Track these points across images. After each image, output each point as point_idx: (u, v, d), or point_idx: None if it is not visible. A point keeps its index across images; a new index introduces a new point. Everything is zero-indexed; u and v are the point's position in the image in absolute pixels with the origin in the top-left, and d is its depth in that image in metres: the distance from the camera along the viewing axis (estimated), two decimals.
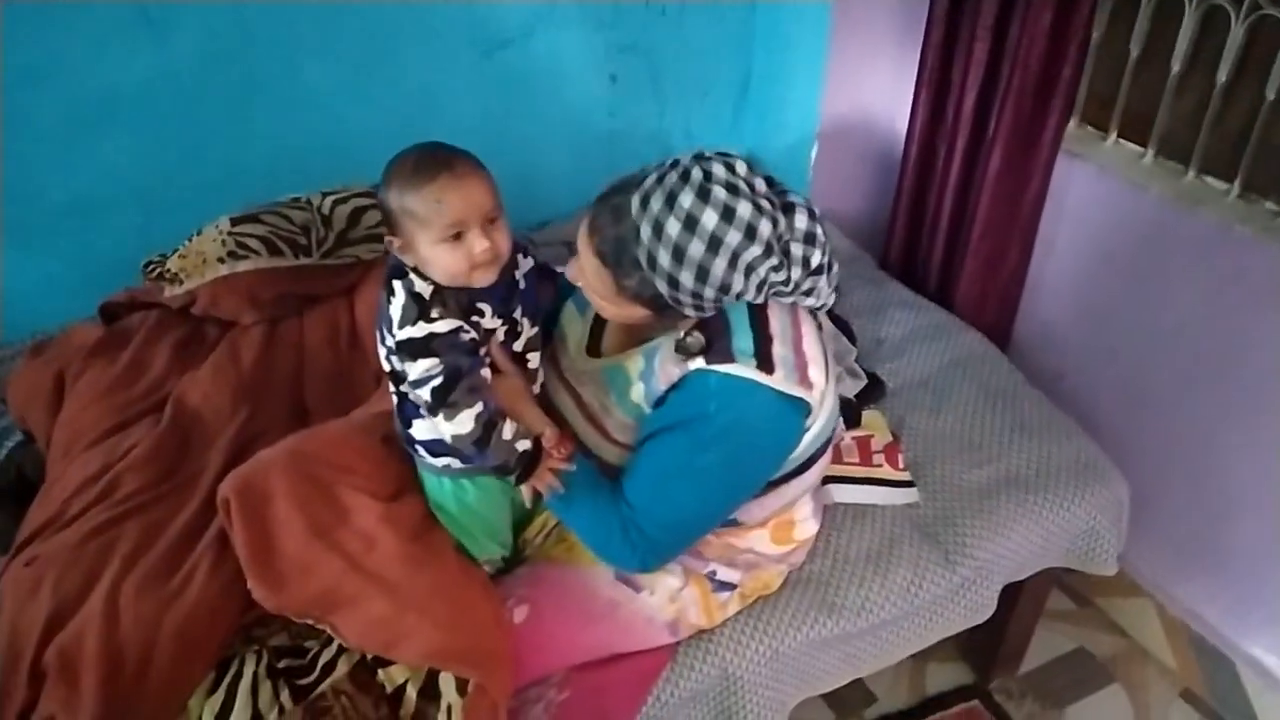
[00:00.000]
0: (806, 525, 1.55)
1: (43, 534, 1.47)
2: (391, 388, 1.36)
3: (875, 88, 2.52)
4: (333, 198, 2.01)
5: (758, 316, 1.28)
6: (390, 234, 1.25)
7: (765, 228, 1.17)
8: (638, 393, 1.34)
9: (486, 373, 1.31)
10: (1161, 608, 2.18)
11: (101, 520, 1.43)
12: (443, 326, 1.23)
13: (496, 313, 1.30)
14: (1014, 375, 2.05)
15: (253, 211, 1.94)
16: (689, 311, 1.25)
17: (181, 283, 1.87)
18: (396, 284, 1.26)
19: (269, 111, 2.22)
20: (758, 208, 1.17)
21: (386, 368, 1.33)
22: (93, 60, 1.99)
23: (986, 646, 2.08)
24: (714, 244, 1.15)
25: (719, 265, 1.16)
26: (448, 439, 1.26)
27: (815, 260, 1.26)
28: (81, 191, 2.12)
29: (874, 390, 2.00)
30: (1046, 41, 1.99)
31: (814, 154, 2.58)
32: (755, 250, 1.17)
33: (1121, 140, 2.16)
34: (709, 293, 1.20)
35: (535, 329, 1.40)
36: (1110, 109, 2.16)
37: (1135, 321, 2.12)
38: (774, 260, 1.20)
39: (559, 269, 1.54)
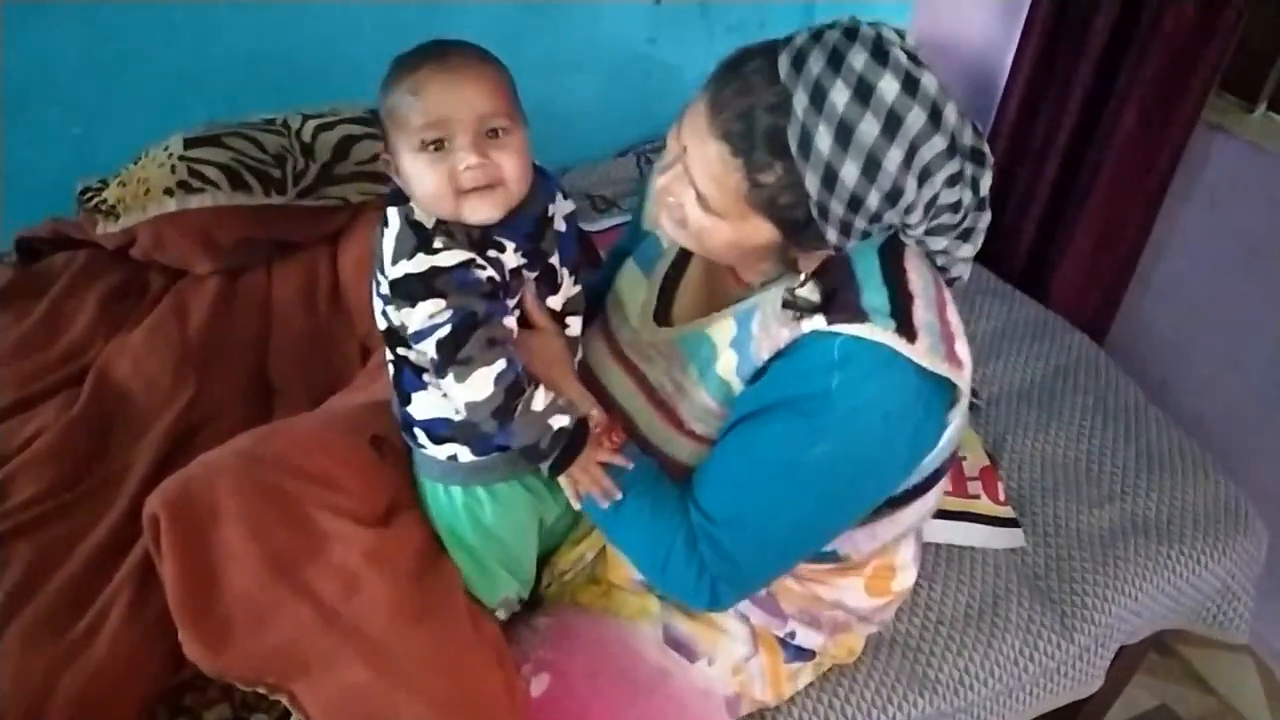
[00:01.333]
0: (907, 574, 1.25)
1: None
2: (388, 353, 1.09)
3: (972, 27, 2.15)
4: (316, 122, 1.64)
5: (892, 266, 0.97)
6: (384, 149, 1.01)
7: (951, 112, 0.87)
8: (727, 365, 1.02)
9: (511, 322, 1.03)
10: (1261, 663, 1.96)
11: None
12: (448, 259, 0.96)
13: (521, 250, 1.03)
14: (1133, 391, 1.75)
15: (214, 131, 1.58)
16: (832, 235, 0.92)
17: (118, 217, 1.50)
18: (392, 211, 1.00)
19: (241, 5, 1.86)
20: (941, 87, 0.87)
21: (382, 325, 1.06)
22: None
23: (1065, 707, 1.79)
24: (891, 124, 0.85)
25: (894, 157, 0.85)
26: (460, 410, 0.99)
27: (984, 185, 0.95)
28: (6, 88, 1.76)
29: None
30: None
31: None
32: (939, 144, 0.87)
33: (1272, 113, 1.82)
34: (874, 200, 0.87)
35: (577, 287, 1.12)
36: (1262, 74, 1.80)
37: (1269, 328, 1.80)
38: (955, 166, 0.89)
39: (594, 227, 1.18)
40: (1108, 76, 1.86)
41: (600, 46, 2.24)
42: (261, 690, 1.05)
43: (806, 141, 0.85)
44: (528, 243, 1.02)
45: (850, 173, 0.85)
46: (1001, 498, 1.53)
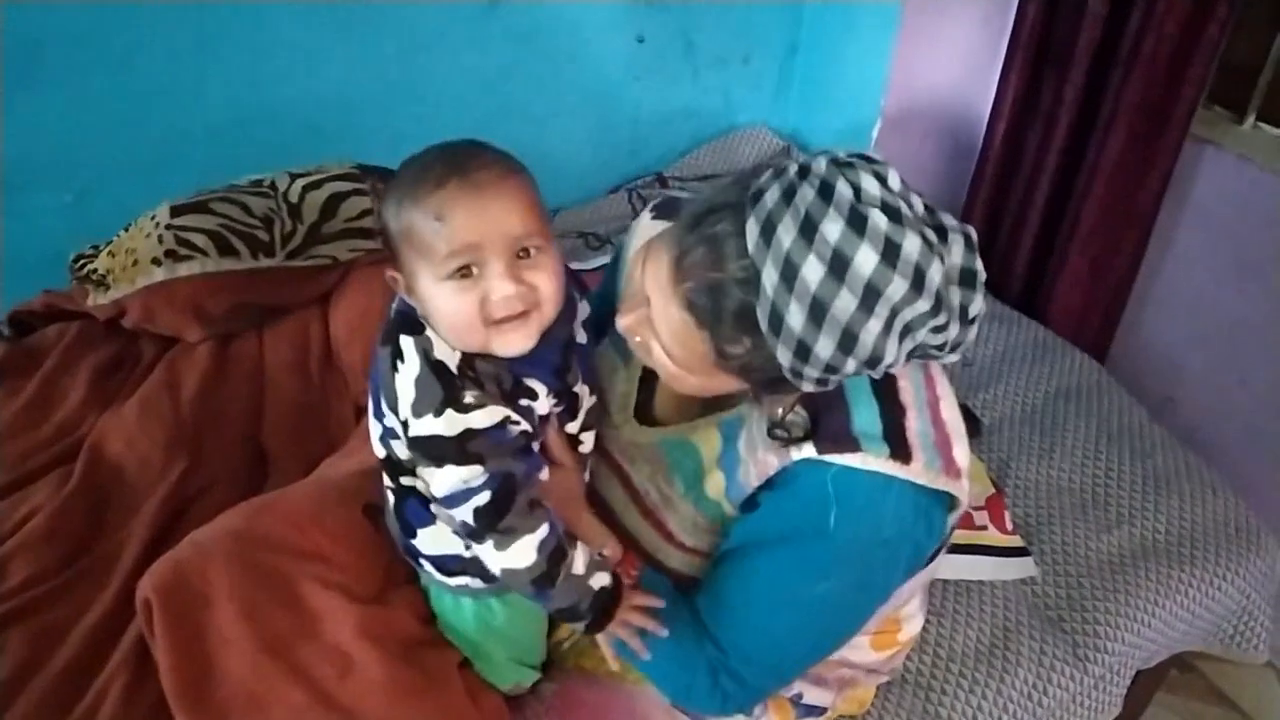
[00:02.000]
0: (913, 623, 1.22)
1: None
2: (387, 481, 1.02)
3: (955, 55, 2.14)
4: (304, 181, 1.62)
5: (883, 379, 0.93)
6: (392, 267, 0.90)
7: (935, 273, 0.79)
8: (716, 486, 0.99)
9: (546, 474, 0.96)
10: None
11: None
12: (483, 419, 0.86)
13: (552, 390, 0.93)
14: (1136, 411, 1.72)
15: (201, 198, 1.56)
16: (809, 387, 0.87)
17: (108, 288, 1.48)
18: (407, 343, 0.88)
19: (227, 67, 1.85)
20: (926, 242, 0.79)
21: (381, 453, 0.98)
22: (9, 5, 1.63)
23: None
24: (869, 297, 0.78)
25: (872, 328, 0.79)
26: (495, 572, 0.92)
27: (974, 309, 0.87)
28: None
29: (967, 428, 1.62)
30: None
31: (875, 133, 2.19)
32: (922, 306, 0.80)
33: (1262, 124, 1.80)
34: (850, 366, 0.82)
35: (594, 398, 1.04)
36: (1248, 85, 1.79)
37: (1271, 339, 1.77)
38: (940, 319, 0.82)
39: (577, 267, 1.12)
40: (1094, 98, 1.84)
41: (586, 87, 2.23)
42: None
43: (778, 320, 0.80)
44: (557, 380, 0.94)
45: (825, 347, 0.80)
46: (1009, 527, 1.51)
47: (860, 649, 1.15)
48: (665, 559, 1.04)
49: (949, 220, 0.86)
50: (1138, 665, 1.46)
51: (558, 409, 0.97)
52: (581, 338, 1.00)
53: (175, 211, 1.51)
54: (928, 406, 0.94)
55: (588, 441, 1.04)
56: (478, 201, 0.82)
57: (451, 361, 0.87)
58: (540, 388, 0.92)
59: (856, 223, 0.77)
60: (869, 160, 0.83)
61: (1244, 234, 1.79)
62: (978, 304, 0.86)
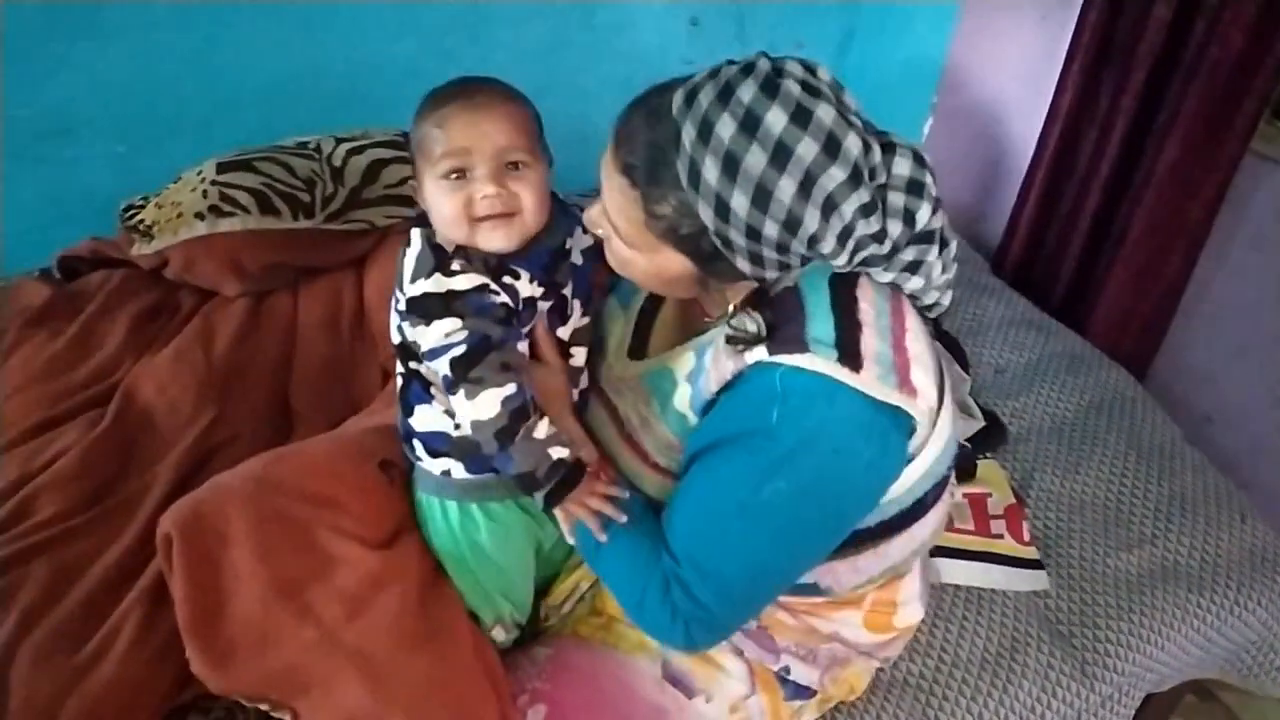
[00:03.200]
0: (910, 609, 1.21)
1: None
2: (399, 367, 1.11)
3: (1014, 53, 2.09)
4: (348, 145, 1.65)
5: (842, 294, 0.95)
6: (413, 175, 1.06)
7: (853, 144, 0.85)
8: (683, 398, 1.03)
9: (524, 348, 1.06)
10: None
11: (1, 557, 1.10)
12: (463, 282, 0.99)
13: (536, 280, 1.04)
14: (1169, 429, 1.68)
15: (246, 156, 1.59)
16: (743, 265, 0.92)
17: (153, 239, 1.52)
18: (415, 232, 1.04)
19: (279, 30, 1.90)
20: (844, 118, 0.86)
21: (396, 339, 1.09)
22: None
23: None
24: (780, 154, 0.84)
25: (785, 187, 0.85)
26: (464, 427, 1.00)
27: (922, 217, 0.92)
28: (56, 109, 1.81)
29: (993, 435, 1.62)
30: (1260, 5, 1.56)
31: (927, 128, 2.16)
32: (838, 173, 0.85)
33: None
34: (771, 230, 0.87)
35: (586, 319, 1.15)
36: None
37: None
38: (863, 195, 0.86)
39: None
40: (1152, 105, 1.79)
41: (636, 67, 2.22)
42: (264, 707, 1.05)
43: (695, 173, 0.87)
44: (543, 273, 1.04)
45: (740, 203, 0.85)
46: (1026, 538, 1.48)
47: (852, 625, 1.16)
48: (641, 483, 1.07)
49: (898, 139, 0.94)
50: (1148, 688, 1.43)
51: (544, 301, 1.06)
52: (578, 258, 1.11)
53: (221, 168, 1.55)
54: (889, 332, 0.94)
55: (579, 356, 1.14)
56: (473, 116, 0.96)
57: (447, 245, 1.01)
58: (524, 273, 1.02)
59: (769, 88, 0.84)
60: (802, 60, 0.90)
61: None
62: (925, 212, 0.91)
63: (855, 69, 2.39)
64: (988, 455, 1.60)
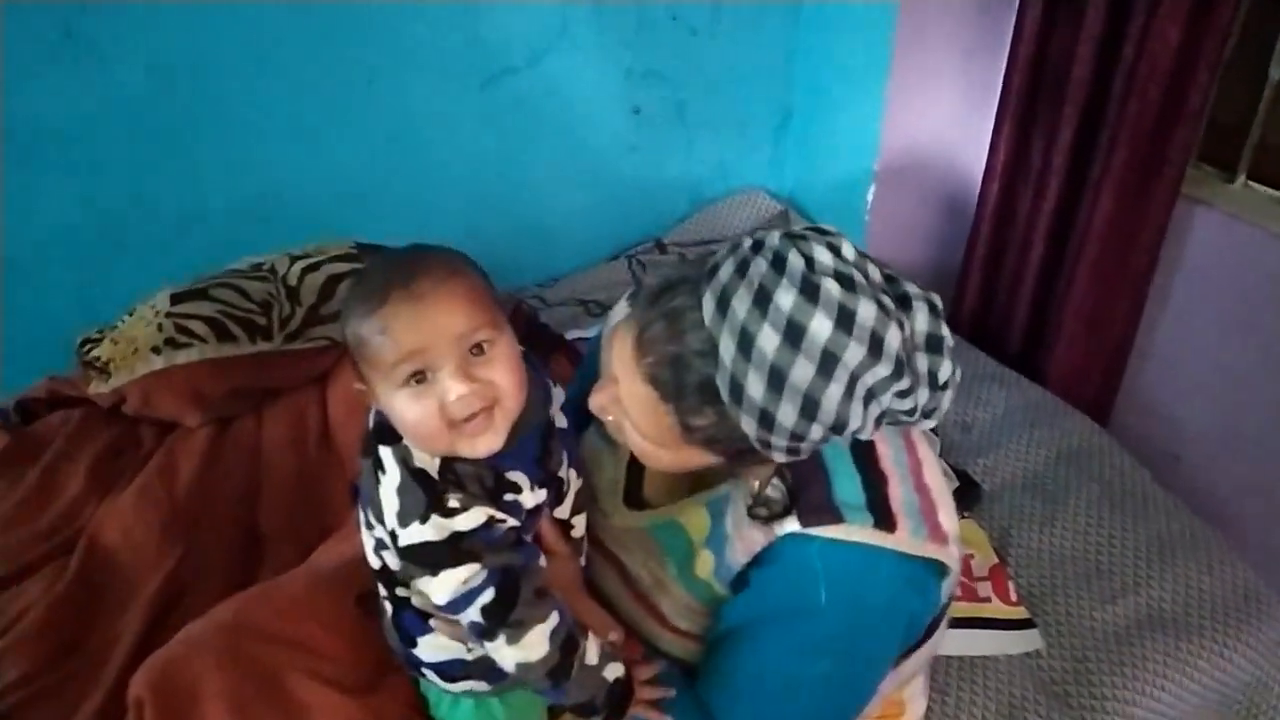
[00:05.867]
0: (916, 704, 1.21)
1: None
2: (382, 591, 1.00)
3: (945, 116, 2.16)
4: (303, 263, 1.65)
5: (862, 447, 0.94)
6: (359, 379, 0.90)
7: (894, 338, 0.81)
8: (706, 566, 0.98)
9: (543, 561, 0.95)
10: None
11: None
12: (469, 521, 0.85)
13: (536, 482, 0.93)
14: (1139, 473, 1.70)
15: (200, 285, 1.59)
16: (780, 457, 0.88)
17: (110, 375, 1.50)
18: (385, 453, 0.88)
19: (228, 150, 1.91)
20: (882, 308, 0.82)
21: (375, 564, 0.97)
22: (11, 89, 1.68)
23: None
24: (827, 364, 0.80)
25: (832, 394, 0.81)
26: (508, 668, 0.90)
27: (944, 374, 0.88)
28: (4, 245, 1.80)
29: (968, 494, 1.64)
30: (1173, 62, 1.63)
31: (871, 195, 2.21)
32: (882, 371, 0.81)
33: (1252, 183, 1.81)
34: (816, 432, 0.83)
35: (580, 480, 1.04)
36: (1236, 145, 1.80)
37: (1270, 396, 1.77)
38: (903, 383, 0.84)
39: (576, 335, 1.13)
40: (1083, 160, 1.86)
41: (584, 157, 2.27)
42: None
43: (738, 390, 0.82)
44: (539, 469, 0.94)
45: (788, 414, 0.81)
46: (1013, 598, 1.48)
47: None
48: (660, 644, 1.03)
49: (913, 288, 0.89)
50: None
51: (544, 498, 0.96)
52: (561, 422, 1.01)
53: (175, 299, 1.54)
54: (910, 473, 0.94)
55: (579, 525, 1.04)
56: (417, 308, 0.81)
57: (431, 467, 0.87)
58: (523, 480, 0.91)
59: (809, 291, 0.79)
60: (823, 232, 0.86)
61: (1238, 291, 1.79)
62: (946, 369, 0.88)
63: (796, 143, 2.46)
64: (965, 515, 1.61)
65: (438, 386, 0.82)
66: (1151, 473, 1.72)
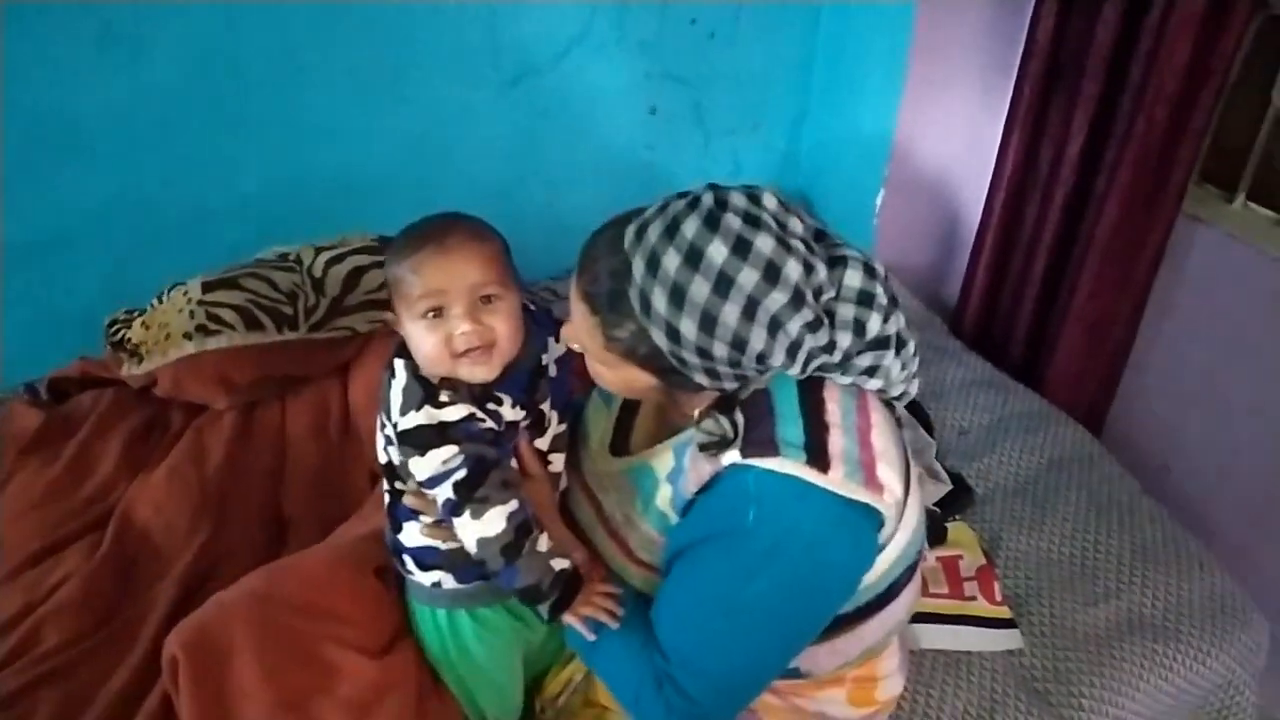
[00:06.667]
0: (892, 682, 1.26)
1: None
2: (385, 484, 1.17)
3: (956, 124, 2.20)
4: (327, 255, 1.71)
5: (810, 397, 1.01)
6: (390, 308, 1.11)
7: (793, 269, 0.92)
8: (664, 498, 1.07)
9: (514, 466, 1.12)
10: None
11: (12, 688, 1.14)
12: (453, 414, 1.05)
13: (518, 403, 1.11)
14: (1128, 483, 1.74)
15: (230, 274, 1.65)
16: (701, 379, 0.98)
17: (141, 359, 1.57)
18: (398, 363, 1.09)
19: (258, 143, 1.98)
20: (784, 244, 0.93)
21: (382, 459, 1.15)
22: (51, 81, 1.75)
23: None
24: (722, 283, 0.91)
25: (729, 313, 0.92)
26: (470, 545, 1.05)
27: (873, 327, 0.99)
28: (41, 231, 1.88)
29: (960, 497, 1.69)
30: (1180, 83, 1.67)
31: (880, 199, 2.26)
32: (779, 297, 0.92)
33: (1252, 204, 1.85)
34: (720, 350, 0.94)
35: (563, 426, 1.20)
36: (1238, 165, 1.84)
37: (1262, 412, 1.81)
38: (807, 315, 0.93)
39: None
40: (1089, 174, 1.90)
41: (601, 156, 2.32)
42: None
43: (646, 302, 0.94)
44: (522, 395, 1.10)
45: (688, 328, 0.92)
46: (998, 598, 1.54)
47: (836, 703, 1.20)
48: (626, 576, 1.12)
49: (850, 250, 1.02)
50: None
51: (525, 421, 1.12)
52: (553, 370, 1.17)
53: (206, 287, 1.61)
54: (856, 429, 1.00)
55: (557, 462, 1.20)
56: (445, 258, 1.02)
57: (433, 377, 1.06)
58: (506, 398, 1.09)
59: (712, 223, 0.92)
60: (749, 186, 0.97)
61: (1235, 309, 1.82)
62: (875, 322, 0.99)
63: (810, 145, 2.50)
64: (957, 517, 1.67)
65: (449, 322, 1.02)
66: (1142, 482, 1.77)
